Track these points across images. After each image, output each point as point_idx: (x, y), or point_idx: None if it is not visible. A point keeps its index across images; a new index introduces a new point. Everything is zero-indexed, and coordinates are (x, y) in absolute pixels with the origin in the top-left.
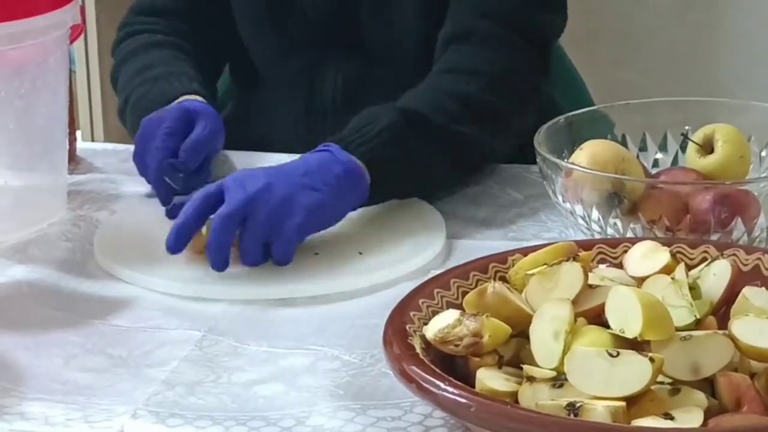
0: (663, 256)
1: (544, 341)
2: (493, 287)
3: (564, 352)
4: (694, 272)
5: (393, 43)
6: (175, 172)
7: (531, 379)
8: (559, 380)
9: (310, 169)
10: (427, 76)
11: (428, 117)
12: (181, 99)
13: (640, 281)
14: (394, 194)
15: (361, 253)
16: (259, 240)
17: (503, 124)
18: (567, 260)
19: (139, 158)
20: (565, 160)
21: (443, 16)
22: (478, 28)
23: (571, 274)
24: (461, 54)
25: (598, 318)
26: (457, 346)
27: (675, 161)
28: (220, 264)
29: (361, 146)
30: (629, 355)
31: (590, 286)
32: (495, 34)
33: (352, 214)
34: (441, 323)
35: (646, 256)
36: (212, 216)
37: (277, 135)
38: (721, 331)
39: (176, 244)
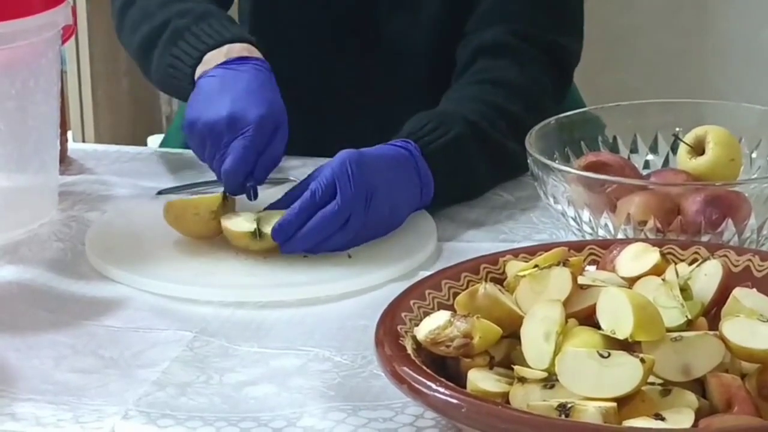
0: (653, 256)
1: (535, 342)
2: (485, 288)
3: (555, 353)
4: (684, 273)
5: (409, 35)
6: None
7: (522, 380)
8: (550, 381)
9: (402, 182)
10: (453, 76)
11: (487, 132)
12: (228, 50)
13: (630, 282)
14: (450, 203)
15: (350, 256)
16: (350, 239)
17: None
18: (557, 264)
19: (202, 143)
20: (557, 161)
21: (463, 13)
22: (510, 45)
23: (560, 279)
24: (496, 67)
25: (589, 319)
26: (447, 347)
27: (666, 163)
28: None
29: (435, 153)
30: (620, 356)
31: (581, 287)
32: (528, 53)
33: None
34: (432, 324)
35: (638, 257)
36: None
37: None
38: (711, 332)
39: (282, 235)
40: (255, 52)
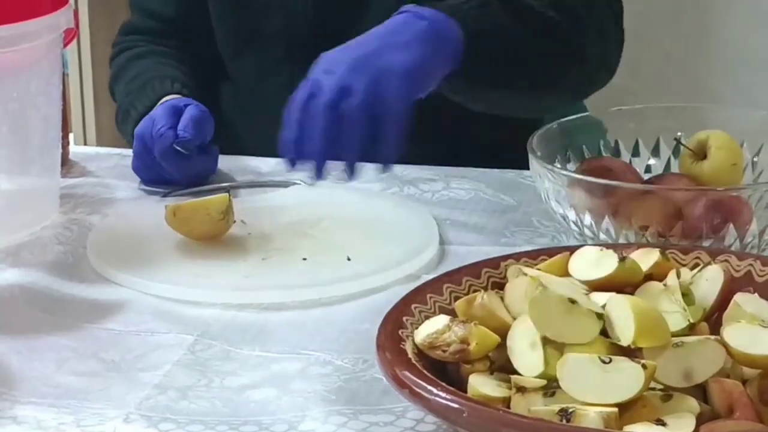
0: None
1: (523, 353)
2: (482, 298)
3: (545, 358)
4: (686, 278)
5: None
6: (184, 148)
7: (521, 389)
8: (550, 388)
9: (397, 27)
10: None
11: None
12: (165, 99)
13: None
14: (486, 61)
15: (349, 259)
16: (364, 112)
17: (591, 28)
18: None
19: (144, 159)
20: (558, 165)
21: None
22: None
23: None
24: None
25: None
26: (444, 351)
27: (667, 167)
28: (321, 165)
29: (459, 9)
30: (621, 362)
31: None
32: None
33: (342, 217)
34: (430, 328)
35: (597, 262)
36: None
37: (261, 146)
38: (713, 337)
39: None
40: (177, 96)
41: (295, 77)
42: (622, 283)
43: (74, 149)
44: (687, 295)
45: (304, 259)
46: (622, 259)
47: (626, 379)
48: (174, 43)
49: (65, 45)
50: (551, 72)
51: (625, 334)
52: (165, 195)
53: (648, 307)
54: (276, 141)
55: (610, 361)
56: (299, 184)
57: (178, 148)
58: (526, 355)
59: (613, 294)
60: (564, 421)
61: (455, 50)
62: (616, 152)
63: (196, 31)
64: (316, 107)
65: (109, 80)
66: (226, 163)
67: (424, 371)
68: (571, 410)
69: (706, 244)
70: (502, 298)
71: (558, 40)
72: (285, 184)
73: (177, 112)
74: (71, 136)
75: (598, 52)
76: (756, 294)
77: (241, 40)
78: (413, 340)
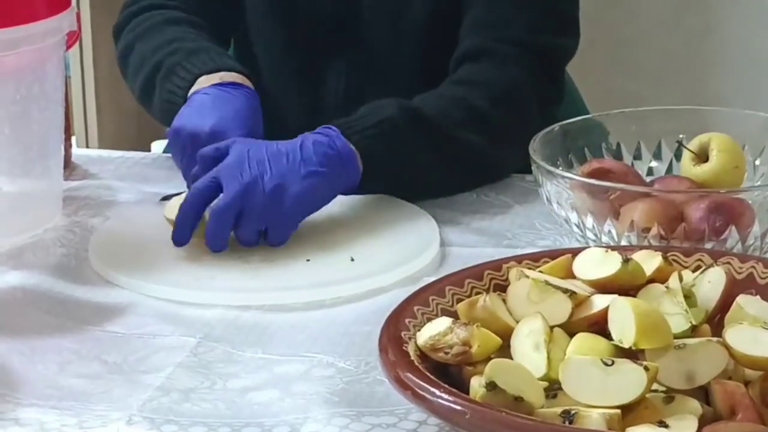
0: (656, 260)
1: (526, 355)
2: (484, 300)
3: (548, 360)
4: (688, 280)
5: (396, 43)
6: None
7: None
8: (553, 390)
9: (306, 152)
10: (430, 74)
11: (430, 118)
12: (223, 75)
13: (593, 286)
14: (383, 188)
15: (353, 259)
16: (254, 229)
17: (509, 138)
18: (565, 292)
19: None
20: (560, 168)
21: (449, 14)
22: (493, 49)
23: (559, 305)
24: (473, 70)
25: (595, 326)
26: (446, 353)
27: (669, 169)
28: (218, 249)
29: (356, 133)
30: (624, 364)
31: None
32: (509, 54)
33: (344, 218)
34: (432, 330)
35: (601, 262)
36: (210, 206)
37: (279, 129)
38: (714, 339)
39: (179, 236)
40: (247, 82)
41: (316, 59)
42: (625, 285)
43: (76, 152)
44: (689, 297)
45: (308, 260)
46: (625, 261)
47: (628, 381)
48: (195, 9)
49: (68, 48)
50: (460, 183)
51: (627, 336)
52: (164, 198)
53: (649, 309)
54: (290, 121)
55: (613, 363)
56: None
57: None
58: (529, 357)
59: (615, 296)
60: (566, 423)
61: (354, 179)
62: (618, 154)
63: (222, 7)
64: (216, 208)
65: (126, 42)
66: None
67: (427, 373)
68: (573, 412)
69: (708, 246)
70: (504, 301)
71: (471, 158)
72: None
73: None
74: (74, 139)
75: (514, 155)
76: (758, 296)
77: (267, 15)
78: (415, 342)
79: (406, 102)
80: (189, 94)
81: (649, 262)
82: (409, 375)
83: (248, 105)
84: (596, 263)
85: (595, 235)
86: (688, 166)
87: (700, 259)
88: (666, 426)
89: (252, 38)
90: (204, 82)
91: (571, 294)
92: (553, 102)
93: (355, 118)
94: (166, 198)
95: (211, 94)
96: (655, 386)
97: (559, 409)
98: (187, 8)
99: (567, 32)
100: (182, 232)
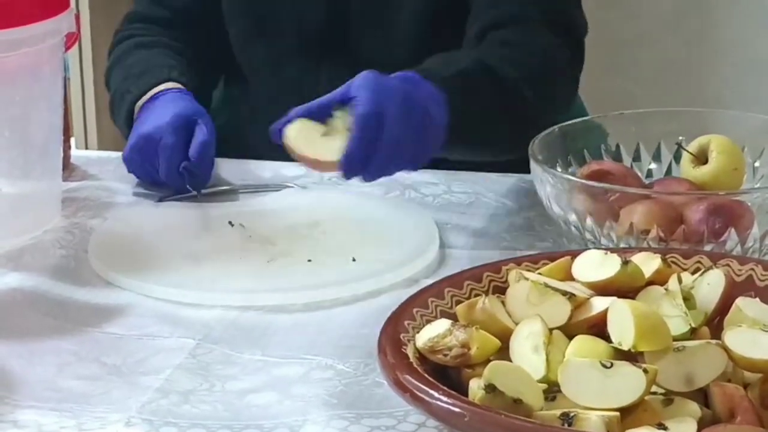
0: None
1: (525, 356)
2: (483, 302)
3: (547, 362)
4: (687, 282)
5: (386, 51)
6: (190, 174)
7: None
8: (552, 392)
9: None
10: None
11: (496, 71)
12: (162, 87)
13: (592, 288)
14: (458, 137)
15: (354, 260)
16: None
17: (551, 94)
18: (564, 294)
19: (142, 161)
20: (559, 169)
21: (438, 26)
22: (522, 15)
23: (558, 307)
24: (506, 33)
25: (595, 328)
26: (445, 355)
27: (668, 171)
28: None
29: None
30: (623, 366)
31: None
32: (539, 20)
33: (347, 219)
34: (431, 332)
35: (601, 264)
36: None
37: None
38: (714, 341)
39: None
40: (177, 85)
41: (305, 70)
42: (624, 287)
43: (76, 153)
44: (688, 299)
45: (309, 260)
46: (625, 263)
47: (628, 384)
48: (180, 35)
49: (67, 49)
50: (513, 139)
51: (626, 339)
52: (161, 200)
53: (648, 311)
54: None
55: (612, 365)
56: (292, 187)
57: (184, 173)
58: (529, 359)
59: (614, 298)
60: (565, 425)
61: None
62: (618, 156)
63: (206, 22)
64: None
65: (106, 68)
66: (222, 165)
67: (426, 375)
68: (572, 414)
69: (707, 248)
70: (503, 303)
71: (526, 115)
72: (278, 188)
73: (186, 126)
74: (72, 140)
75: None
76: (757, 298)
77: (252, 28)
78: (414, 344)
79: (477, 55)
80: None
81: (648, 264)
82: (408, 377)
83: (172, 98)
84: (595, 265)
85: (595, 237)
86: (687, 168)
87: (699, 261)
88: (665, 428)
89: (237, 54)
90: (139, 106)
91: (570, 296)
92: (577, 66)
93: (430, 64)
94: (163, 199)
95: (141, 112)
96: (654, 389)
97: (558, 412)
98: (163, 36)
99: (579, 8)
100: (355, 164)
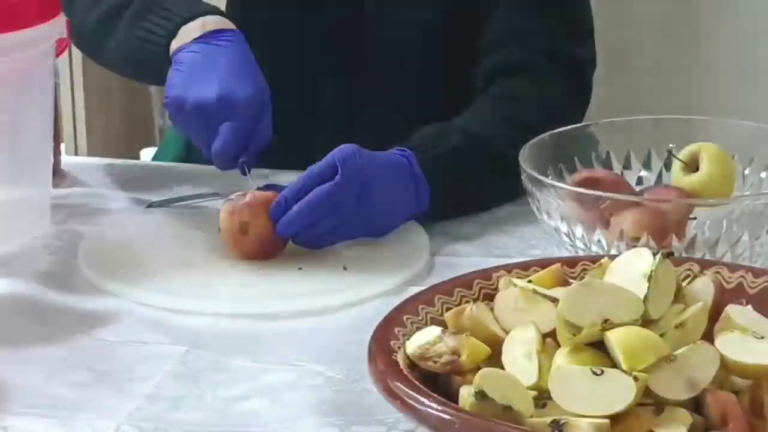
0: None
1: (517, 363)
2: (471, 309)
3: (540, 369)
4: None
5: (401, 52)
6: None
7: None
8: (542, 399)
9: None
10: (430, 87)
11: (489, 143)
12: (208, 20)
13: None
14: (447, 212)
15: (345, 268)
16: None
17: None
18: (553, 301)
19: (199, 121)
20: (550, 177)
21: (450, 28)
22: (530, 63)
23: (548, 314)
24: (514, 85)
25: None
26: (435, 362)
27: (659, 179)
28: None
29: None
30: (613, 374)
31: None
32: (545, 68)
33: None
34: (421, 339)
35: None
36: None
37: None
38: (701, 341)
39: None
40: (229, 24)
41: (304, 32)
42: None
43: (66, 159)
44: (685, 296)
45: (300, 268)
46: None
47: (618, 391)
48: None
49: (57, 55)
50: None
51: (620, 363)
52: (150, 205)
53: (627, 331)
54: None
55: (602, 372)
56: None
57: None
58: (521, 366)
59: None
60: None
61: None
62: (608, 164)
63: None
64: (320, 190)
65: None
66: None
67: (416, 382)
68: (562, 422)
69: (697, 255)
70: (492, 310)
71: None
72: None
73: (261, 108)
74: (62, 146)
75: None
76: (748, 305)
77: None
78: (405, 351)
79: (468, 126)
80: (172, 49)
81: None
82: (398, 384)
83: (240, 55)
84: None
85: (585, 244)
86: (678, 176)
87: (689, 268)
88: None
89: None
90: (184, 36)
91: (558, 303)
92: (583, 109)
93: (423, 141)
94: (153, 205)
95: (199, 52)
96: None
97: (548, 419)
98: None
99: (589, 41)
100: (284, 207)
